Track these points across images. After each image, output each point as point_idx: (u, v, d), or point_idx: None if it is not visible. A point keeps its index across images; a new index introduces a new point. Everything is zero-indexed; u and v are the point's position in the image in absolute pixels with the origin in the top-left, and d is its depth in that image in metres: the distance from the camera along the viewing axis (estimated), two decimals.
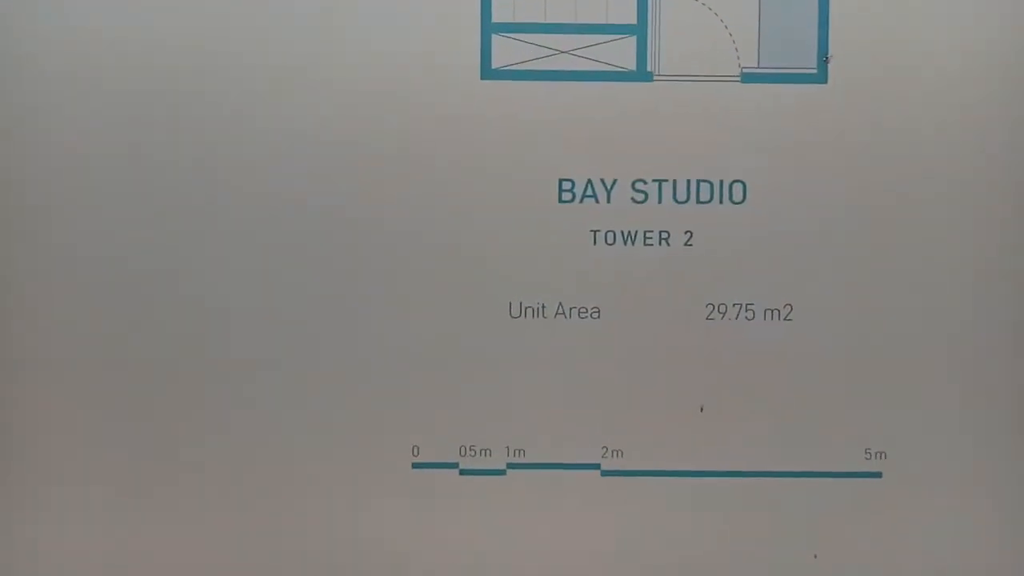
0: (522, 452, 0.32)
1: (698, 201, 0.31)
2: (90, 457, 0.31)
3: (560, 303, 0.31)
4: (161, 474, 0.32)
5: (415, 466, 0.32)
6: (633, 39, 0.31)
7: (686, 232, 0.31)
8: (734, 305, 0.31)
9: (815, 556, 0.32)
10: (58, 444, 0.31)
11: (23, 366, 0.31)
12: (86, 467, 0.32)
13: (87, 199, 0.31)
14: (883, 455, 0.31)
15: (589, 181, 0.31)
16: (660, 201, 0.31)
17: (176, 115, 0.31)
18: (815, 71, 0.31)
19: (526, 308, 0.31)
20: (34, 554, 0.32)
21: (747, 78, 0.30)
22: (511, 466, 0.32)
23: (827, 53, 0.31)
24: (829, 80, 0.30)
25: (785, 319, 0.31)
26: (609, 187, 0.31)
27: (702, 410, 0.32)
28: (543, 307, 0.31)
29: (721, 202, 0.31)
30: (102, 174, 0.31)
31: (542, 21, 0.30)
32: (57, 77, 0.31)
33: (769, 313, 0.31)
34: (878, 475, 0.32)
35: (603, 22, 0.30)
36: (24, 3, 0.31)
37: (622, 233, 0.31)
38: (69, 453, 0.31)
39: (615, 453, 0.32)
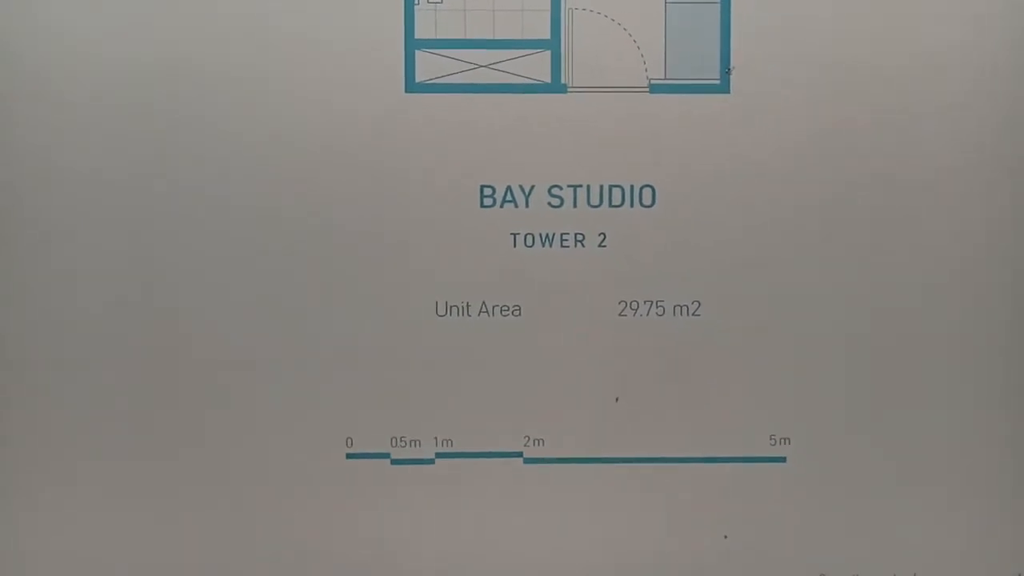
0: (450, 442, 0.33)
1: (611, 205, 0.32)
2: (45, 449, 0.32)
3: (483, 301, 0.32)
4: (111, 468, 0.33)
5: (349, 456, 0.33)
6: (548, 53, 0.32)
7: (600, 234, 0.32)
8: (645, 302, 0.32)
9: (725, 536, 0.33)
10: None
11: None
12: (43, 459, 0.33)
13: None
14: (787, 441, 0.33)
15: (508, 187, 0.32)
16: (575, 205, 0.32)
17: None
18: (719, 82, 0.32)
19: (451, 307, 0.32)
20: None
21: (655, 89, 0.32)
22: (439, 455, 0.33)
23: (730, 65, 0.32)
24: (732, 90, 0.32)
25: (693, 315, 0.32)
26: (527, 192, 0.32)
27: (617, 400, 0.33)
28: (468, 305, 0.32)
29: (632, 206, 0.32)
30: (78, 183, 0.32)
31: (462, 37, 0.31)
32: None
33: (678, 309, 0.32)
34: (783, 460, 0.33)
35: (519, 37, 0.31)
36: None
37: (540, 235, 0.32)
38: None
39: (536, 442, 0.33)
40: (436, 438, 0.33)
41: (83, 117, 0.31)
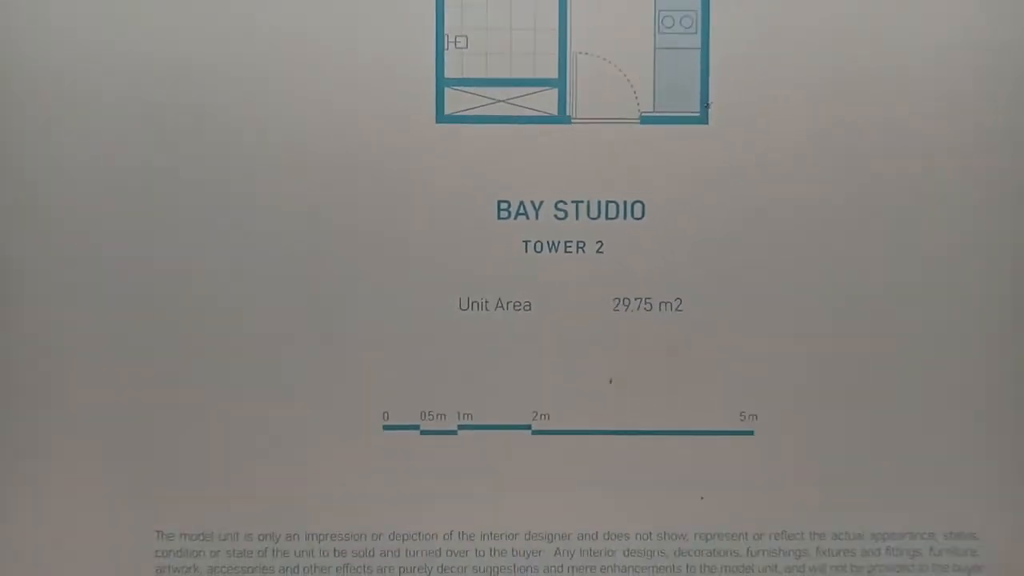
0: (470, 416, 0.36)
1: (607, 218, 0.35)
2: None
3: (499, 298, 0.35)
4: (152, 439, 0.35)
5: (385, 428, 0.36)
6: (555, 90, 0.35)
7: (598, 242, 0.35)
8: (636, 299, 0.35)
9: (702, 498, 0.36)
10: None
11: None
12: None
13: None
14: (755, 417, 0.36)
15: (521, 202, 0.35)
16: (577, 218, 0.35)
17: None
18: (699, 114, 0.35)
19: (472, 302, 0.35)
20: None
21: (645, 120, 0.35)
22: (461, 427, 0.36)
23: (708, 100, 0.35)
24: (710, 121, 0.35)
25: (676, 310, 0.35)
26: (537, 207, 0.35)
27: (611, 382, 0.36)
28: (486, 302, 0.35)
29: (625, 218, 0.35)
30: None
31: (484, 76, 0.35)
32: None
33: (663, 305, 0.35)
34: (751, 433, 0.36)
35: (532, 76, 0.35)
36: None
37: (547, 243, 0.35)
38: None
39: (543, 416, 0.36)
40: (459, 412, 0.36)
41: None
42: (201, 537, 0.36)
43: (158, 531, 0.36)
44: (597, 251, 0.35)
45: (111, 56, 0.34)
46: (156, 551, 0.36)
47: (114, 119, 0.35)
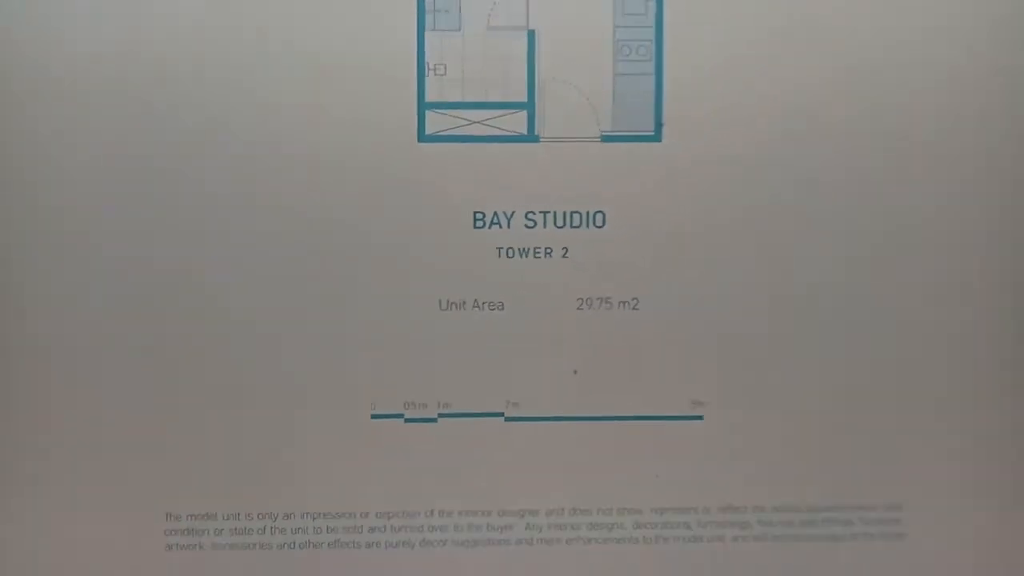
0: (449, 405, 0.38)
1: (571, 226, 0.38)
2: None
3: (475, 299, 0.37)
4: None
5: (373, 417, 0.38)
6: (525, 112, 0.37)
7: (563, 248, 0.38)
8: (598, 299, 0.38)
9: (657, 476, 0.39)
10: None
11: None
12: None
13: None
14: (704, 404, 0.38)
15: (495, 213, 0.37)
16: (545, 226, 0.37)
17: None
18: (653, 133, 0.37)
19: (451, 303, 0.38)
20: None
21: (605, 138, 0.37)
22: (441, 415, 0.38)
23: (662, 120, 0.37)
24: (663, 139, 0.37)
25: (634, 308, 0.38)
26: (509, 217, 0.37)
27: (575, 373, 0.38)
28: (463, 302, 0.38)
29: (588, 227, 0.37)
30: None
31: (461, 100, 0.37)
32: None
33: (622, 304, 0.38)
34: (700, 418, 0.39)
35: (504, 100, 0.37)
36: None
37: (519, 249, 0.38)
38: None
39: (514, 404, 0.38)
40: (439, 402, 0.38)
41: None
42: (206, 517, 0.39)
43: (167, 513, 0.40)
44: (563, 256, 0.38)
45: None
46: (166, 530, 0.40)
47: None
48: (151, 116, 0.36)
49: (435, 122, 0.37)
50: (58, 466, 0.38)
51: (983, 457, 0.40)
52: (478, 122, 0.37)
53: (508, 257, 0.38)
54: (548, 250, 0.38)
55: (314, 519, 0.39)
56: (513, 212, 0.38)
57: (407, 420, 0.38)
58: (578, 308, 0.38)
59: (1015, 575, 0.41)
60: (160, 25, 0.36)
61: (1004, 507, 0.40)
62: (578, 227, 0.38)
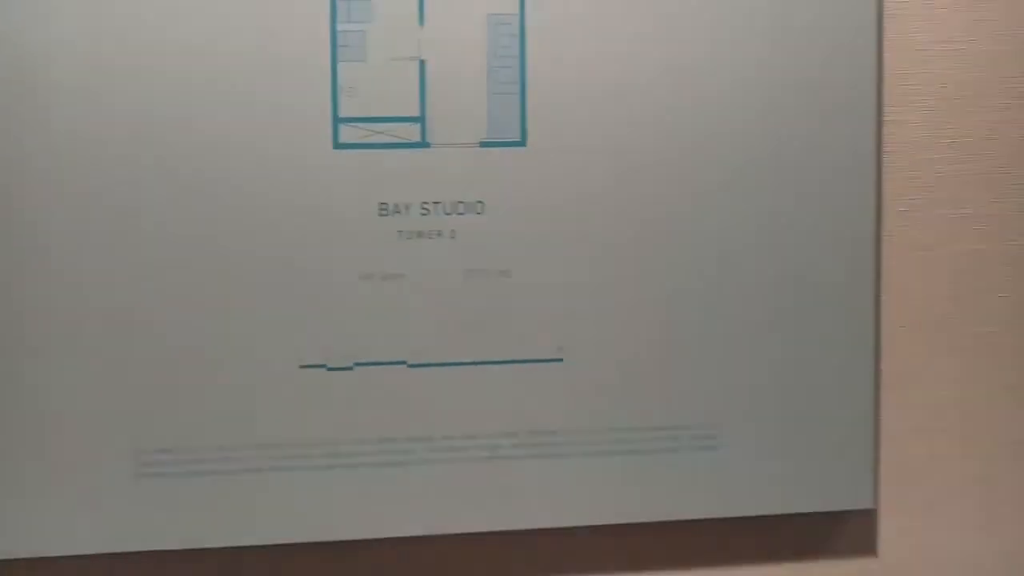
0: (362, 356, 0.49)
1: (458, 214, 0.49)
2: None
3: (383, 271, 0.48)
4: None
5: (301, 367, 0.49)
6: (418, 124, 0.48)
7: (452, 231, 0.49)
8: (479, 270, 0.49)
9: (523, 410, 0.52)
10: None
11: None
12: None
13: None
14: (563, 348, 0.50)
15: (396, 203, 0.48)
16: (436, 214, 0.49)
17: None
18: (520, 139, 0.49)
19: (364, 275, 0.48)
20: None
21: (483, 144, 0.49)
22: (356, 364, 0.49)
23: (526, 129, 0.49)
24: (527, 144, 0.49)
25: (507, 276, 0.50)
26: (407, 207, 0.48)
27: (462, 329, 0.50)
28: (373, 274, 0.48)
29: (470, 214, 0.49)
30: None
31: (367, 115, 0.48)
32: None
33: (499, 273, 0.50)
34: (560, 360, 0.51)
35: (401, 115, 0.48)
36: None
37: (416, 232, 0.49)
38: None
39: (416, 353, 0.49)
40: (355, 354, 0.49)
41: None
42: (169, 451, 0.49)
43: (135, 448, 0.49)
44: (451, 237, 0.49)
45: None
46: (135, 462, 0.49)
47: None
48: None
49: (347, 133, 0.48)
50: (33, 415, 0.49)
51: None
52: (381, 132, 0.48)
53: (407, 239, 0.49)
54: (439, 232, 0.49)
55: (259, 449, 0.50)
56: (410, 203, 0.49)
57: (329, 369, 0.49)
58: (464, 279, 0.50)
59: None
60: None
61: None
62: (463, 214, 0.49)
